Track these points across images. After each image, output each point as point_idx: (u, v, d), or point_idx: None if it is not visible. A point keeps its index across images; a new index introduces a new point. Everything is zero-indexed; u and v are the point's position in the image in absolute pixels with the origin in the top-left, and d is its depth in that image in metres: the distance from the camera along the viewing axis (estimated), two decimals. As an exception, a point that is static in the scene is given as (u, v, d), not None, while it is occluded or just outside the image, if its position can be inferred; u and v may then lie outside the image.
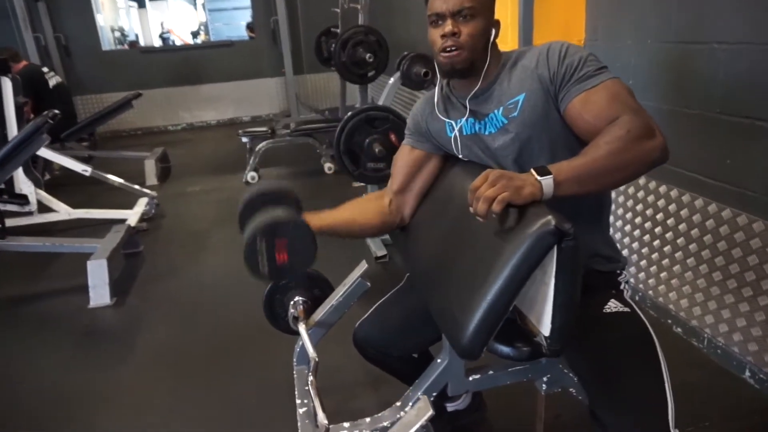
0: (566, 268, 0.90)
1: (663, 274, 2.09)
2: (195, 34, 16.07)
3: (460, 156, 1.23)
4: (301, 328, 1.60)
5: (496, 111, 1.13)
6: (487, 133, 1.16)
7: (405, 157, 1.30)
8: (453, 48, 1.08)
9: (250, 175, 4.49)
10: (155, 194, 3.91)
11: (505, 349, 1.27)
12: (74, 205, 3.57)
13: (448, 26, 1.07)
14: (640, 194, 2.15)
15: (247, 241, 1.13)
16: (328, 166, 4.66)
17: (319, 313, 1.64)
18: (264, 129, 4.58)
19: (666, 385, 1.01)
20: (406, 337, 1.37)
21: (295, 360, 1.68)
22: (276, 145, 4.49)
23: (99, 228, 3.28)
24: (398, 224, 1.34)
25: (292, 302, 1.72)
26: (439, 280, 1.10)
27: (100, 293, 2.61)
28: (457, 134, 1.20)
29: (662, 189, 2.03)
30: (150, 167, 4.67)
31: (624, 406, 0.99)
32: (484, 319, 0.93)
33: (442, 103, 1.23)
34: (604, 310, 1.13)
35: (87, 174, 3.79)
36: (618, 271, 1.22)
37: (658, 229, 2.09)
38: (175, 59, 7.28)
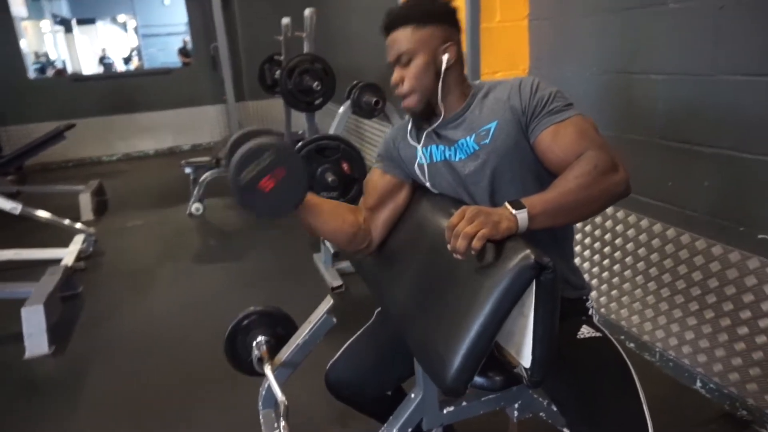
0: (545, 300, 0.92)
1: (614, 292, 2.18)
2: (127, 60, 15.62)
3: (427, 184, 1.24)
4: (267, 369, 1.54)
5: (467, 138, 1.15)
6: (457, 159, 1.18)
7: (377, 180, 1.29)
8: (404, 95, 1.16)
9: (195, 207, 4.34)
10: (93, 230, 3.70)
11: (478, 380, 1.28)
12: (2, 246, 3.32)
13: (393, 76, 1.16)
14: (589, 216, 2.24)
15: (260, 144, 1.04)
16: (275, 195, 4.58)
17: (285, 353, 1.59)
18: (208, 158, 4.46)
19: (644, 406, 1.04)
20: (381, 376, 1.34)
21: (260, 403, 1.61)
22: (221, 175, 4.37)
23: (32, 270, 3.04)
24: (364, 248, 1.29)
25: (254, 343, 1.66)
26: (416, 317, 1.09)
27: (36, 342, 2.42)
28: (427, 160, 1.21)
29: (609, 210, 2.12)
30: (85, 201, 4.43)
31: (606, 429, 1.01)
32: (469, 355, 0.93)
33: (415, 130, 1.25)
34: (578, 336, 1.16)
35: (17, 212, 3.54)
36: (584, 297, 1.25)
37: (607, 249, 2.18)
38: (109, 87, 6.99)
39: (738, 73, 1.58)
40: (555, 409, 1.52)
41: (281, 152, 1.05)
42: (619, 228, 2.09)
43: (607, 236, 2.16)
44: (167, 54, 13.72)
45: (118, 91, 6.92)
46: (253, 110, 7.20)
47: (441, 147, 1.20)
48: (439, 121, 1.18)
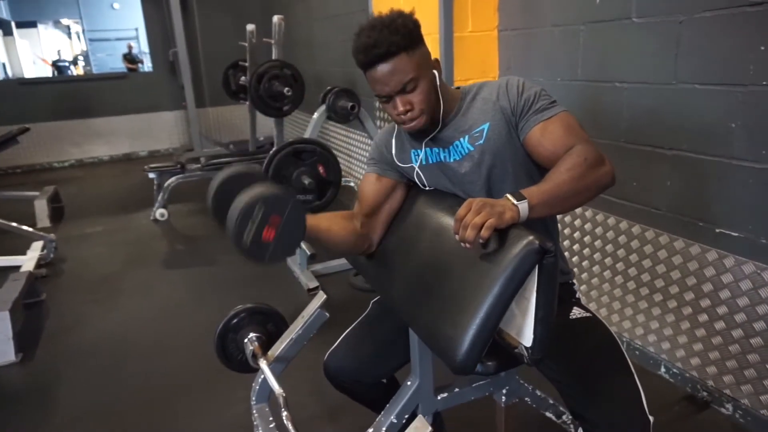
0: (546, 282, 0.99)
1: (583, 287, 2.31)
2: (71, 64, 15.00)
3: (426, 185, 1.30)
4: (263, 364, 1.57)
5: (461, 139, 1.22)
6: (452, 160, 1.25)
7: (372, 184, 1.34)
8: (412, 120, 1.17)
9: (159, 212, 4.26)
10: (53, 236, 3.58)
11: (473, 366, 1.35)
12: (-45, 254, 3.18)
13: (399, 106, 1.15)
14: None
15: (247, 203, 1.06)
16: (242, 201, 4.55)
17: (279, 348, 1.62)
18: (173, 164, 4.39)
19: (636, 378, 1.14)
20: (378, 364, 1.39)
21: (254, 398, 1.63)
22: (187, 180, 4.32)
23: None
24: (365, 250, 1.35)
25: (246, 339, 1.68)
26: (423, 304, 1.15)
27: (3, 350, 2.33)
28: (422, 163, 1.28)
29: (578, 210, 2.26)
30: (41, 208, 4.26)
31: (607, 402, 1.10)
32: (478, 334, 1.00)
33: (408, 135, 1.30)
34: (570, 317, 1.25)
35: (-31, 219, 3.39)
36: (571, 282, 1.35)
37: (576, 246, 2.31)
38: (61, 91, 6.74)
39: (696, 82, 1.73)
40: (539, 394, 1.62)
41: (269, 201, 1.08)
42: (588, 226, 2.23)
43: (576, 234, 2.30)
44: (116, 59, 13.32)
45: (71, 96, 6.70)
46: (213, 117, 7.11)
47: (435, 150, 1.27)
48: (439, 130, 1.23)
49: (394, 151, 1.32)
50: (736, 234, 1.68)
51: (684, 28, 1.72)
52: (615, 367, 1.15)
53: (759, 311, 1.65)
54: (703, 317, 1.83)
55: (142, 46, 12.38)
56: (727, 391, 1.81)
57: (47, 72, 13.57)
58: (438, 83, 1.19)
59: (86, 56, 14.77)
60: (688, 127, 1.78)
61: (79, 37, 15.06)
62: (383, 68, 1.11)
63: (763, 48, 1.52)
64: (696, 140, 1.76)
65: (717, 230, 1.74)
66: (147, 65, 10.45)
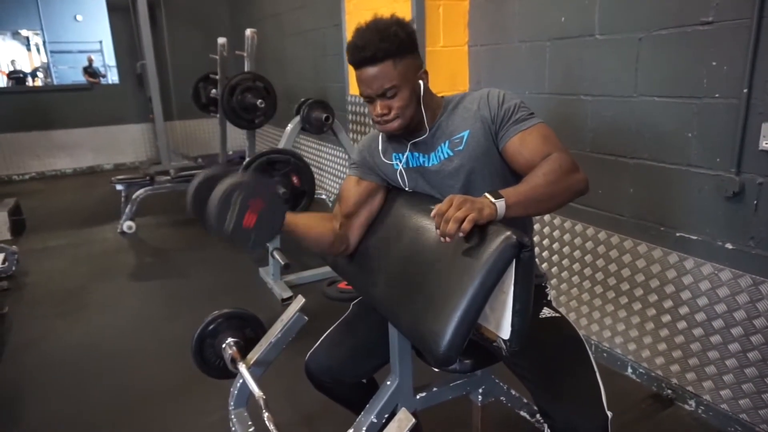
0: (524, 276, 1.04)
1: (552, 292, 2.38)
2: (30, 76, 14.53)
3: (407, 188, 1.35)
4: (242, 368, 1.57)
5: (442, 145, 1.27)
6: (430, 164, 1.30)
7: (353, 187, 1.38)
8: (386, 122, 1.23)
9: (127, 225, 4.18)
10: (15, 248, 3.47)
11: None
12: None
13: (377, 108, 1.21)
14: (527, 224, 2.45)
15: (225, 191, 1.08)
16: (212, 213, 4.51)
17: (258, 352, 1.62)
18: (141, 176, 4.32)
19: (597, 375, 1.20)
20: (359, 363, 1.42)
21: (232, 403, 1.62)
22: (156, 192, 4.25)
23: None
24: (342, 251, 1.37)
25: (224, 345, 1.68)
26: (405, 300, 1.19)
27: (-36, 364, 2.25)
28: (404, 165, 1.32)
29: (546, 217, 2.34)
30: (1, 220, 4.13)
31: (568, 397, 1.15)
32: (460, 325, 1.04)
33: (389, 139, 1.35)
34: (540, 317, 1.30)
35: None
36: (543, 284, 1.41)
37: (545, 254, 2.39)
38: (20, 102, 6.56)
39: (654, 94, 1.84)
40: (514, 393, 1.67)
41: (247, 187, 1.10)
42: (556, 233, 2.31)
43: (545, 241, 2.38)
44: (78, 72, 13.03)
45: (31, 107, 6.52)
46: (181, 130, 7.04)
47: (416, 154, 1.32)
48: (424, 136, 1.28)
49: (380, 150, 1.36)
50: (695, 237, 1.79)
51: (643, 44, 1.84)
52: (577, 364, 1.21)
53: (717, 310, 1.74)
54: (666, 318, 1.92)
55: (106, 59, 12.14)
56: (689, 388, 1.89)
57: (2, 83, 13.14)
58: (422, 93, 1.23)
59: (47, 68, 14.38)
60: (649, 137, 1.88)
61: (39, 49, 14.67)
62: (368, 71, 1.17)
63: (714, 63, 1.63)
64: (656, 149, 1.87)
65: (677, 234, 1.84)
66: (111, 78, 10.25)
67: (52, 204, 5.40)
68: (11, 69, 13.45)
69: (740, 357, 1.71)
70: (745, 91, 1.55)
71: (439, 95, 1.34)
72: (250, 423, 1.56)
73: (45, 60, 14.50)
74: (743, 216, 1.64)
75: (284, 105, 4.38)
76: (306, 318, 1.60)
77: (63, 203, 5.43)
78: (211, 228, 1.11)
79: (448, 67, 2.69)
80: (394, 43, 1.16)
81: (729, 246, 1.69)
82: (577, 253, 2.23)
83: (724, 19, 1.59)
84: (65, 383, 2.26)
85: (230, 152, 5.45)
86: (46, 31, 14.17)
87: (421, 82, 1.23)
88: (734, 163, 1.62)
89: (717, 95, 1.65)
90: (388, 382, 1.40)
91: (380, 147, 1.36)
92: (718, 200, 1.70)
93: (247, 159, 2.90)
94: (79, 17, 14.21)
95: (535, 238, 2.42)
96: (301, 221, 1.30)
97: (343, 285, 2.96)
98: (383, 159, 1.35)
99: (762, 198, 1.59)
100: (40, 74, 14.47)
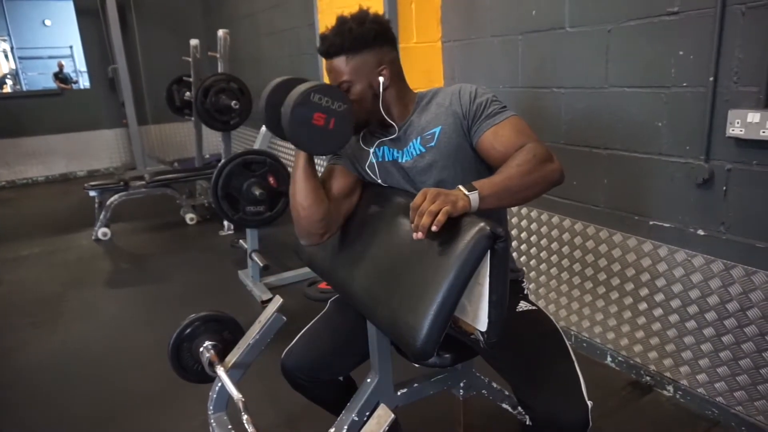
0: (498, 266, 1.04)
1: (531, 285, 2.40)
2: (-1, 84, 14.17)
3: (379, 180, 1.34)
4: (220, 371, 1.54)
5: (414, 141, 1.27)
6: (403, 160, 1.29)
7: (338, 176, 1.34)
8: None
9: (102, 232, 4.11)
10: (-14, 259, 3.38)
11: (431, 359, 1.39)
12: None
13: None
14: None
15: (311, 87, 1.12)
16: (189, 217, 4.46)
17: (236, 354, 1.60)
18: (115, 181, 4.24)
19: (576, 365, 1.21)
20: (336, 360, 1.40)
21: (211, 408, 1.60)
22: (131, 198, 4.18)
23: None
24: (323, 232, 1.30)
25: (202, 348, 1.65)
26: (382, 297, 1.18)
27: (-67, 378, 2.18)
28: (378, 159, 1.32)
29: (524, 210, 2.36)
30: (-30, 231, 4.03)
31: (547, 388, 1.15)
32: (436, 319, 1.03)
33: (366, 134, 1.34)
34: (517, 310, 1.30)
35: None
36: (520, 279, 1.41)
37: (523, 246, 2.41)
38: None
39: (625, 85, 1.86)
40: (495, 386, 1.67)
41: (324, 89, 1.13)
42: (533, 226, 2.33)
43: (523, 234, 2.39)
44: (49, 78, 12.75)
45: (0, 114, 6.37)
46: (155, 134, 6.94)
47: (390, 149, 1.31)
48: (396, 134, 1.28)
49: (352, 148, 1.35)
50: (668, 225, 1.81)
51: (612, 36, 1.86)
52: (555, 355, 1.21)
53: (691, 295, 1.77)
54: (643, 305, 1.94)
55: (77, 65, 11.90)
56: (667, 374, 1.92)
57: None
58: (381, 90, 1.23)
59: (16, 75, 14.04)
60: (620, 128, 1.90)
61: (6, 55, 14.33)
62: (327, 63, 1.24)
63: (681, 53, 1.66)
64: (628, 139, 1.89)
65: (651, 222, 1.86)
66: (83, 83, 10.06)
67: (24, 212, 5.28)
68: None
69: (715, 341, 1.73)
70: (711, 79, 1.58)
71: (414, 91, 1.34)
72: (230, 427, 1.54)
73: (13, 66, 14.17)
74: (713, 202, 1.67)
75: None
76: (284, 318, 1.59)
77: (35, 211, 5.32)
78: (285, 115, 1.13)
79: (422, 64, 2.69)
80: (346, 40, 1.19)
81: (701, 232, 1.72)
82: (554, 245, 2.25)
83: (690, 8, 1.61)
84: (43, 393, 2.21)
85: (206, 155, 5.39)
86: (13, 36, 13.84)
87: (381, 78, 1.23)
88: (703, 151, 1.65)
89: (685, 84, 1.67)
90: (368, 380, 1.39)
91: (360, 138, 1.36)
92: (689, 188, 1.72)
93: (223, 160, 2.86)
94: (47, 22, 13.90)
95: (512, 231, 2.44)
96: (317, 179, 1.27)
97: (323, 285, 2.94)
98: (360, 151, 1.35)
99: (731, 184, 1.61)
100: (8, 81, 14.12)
